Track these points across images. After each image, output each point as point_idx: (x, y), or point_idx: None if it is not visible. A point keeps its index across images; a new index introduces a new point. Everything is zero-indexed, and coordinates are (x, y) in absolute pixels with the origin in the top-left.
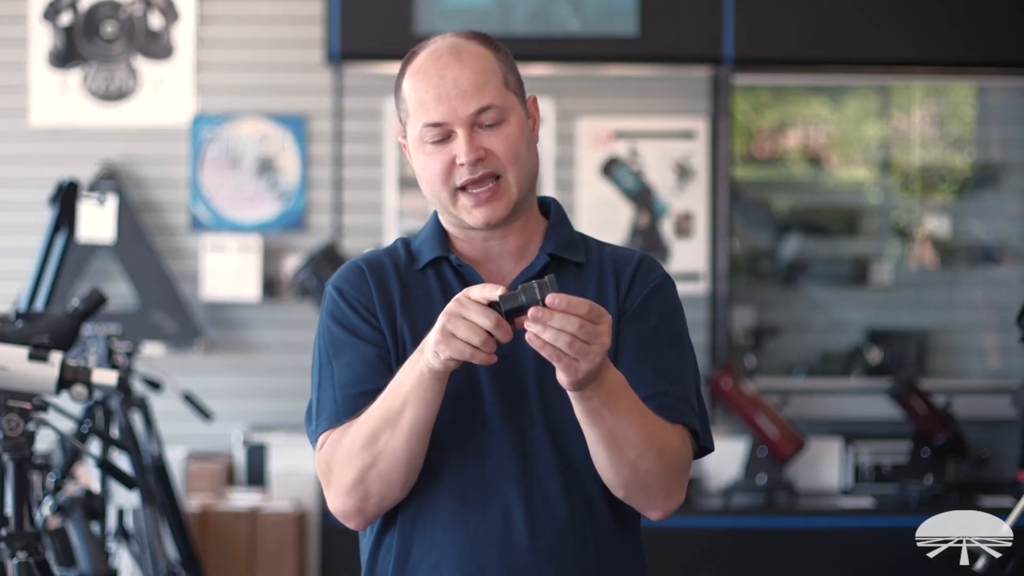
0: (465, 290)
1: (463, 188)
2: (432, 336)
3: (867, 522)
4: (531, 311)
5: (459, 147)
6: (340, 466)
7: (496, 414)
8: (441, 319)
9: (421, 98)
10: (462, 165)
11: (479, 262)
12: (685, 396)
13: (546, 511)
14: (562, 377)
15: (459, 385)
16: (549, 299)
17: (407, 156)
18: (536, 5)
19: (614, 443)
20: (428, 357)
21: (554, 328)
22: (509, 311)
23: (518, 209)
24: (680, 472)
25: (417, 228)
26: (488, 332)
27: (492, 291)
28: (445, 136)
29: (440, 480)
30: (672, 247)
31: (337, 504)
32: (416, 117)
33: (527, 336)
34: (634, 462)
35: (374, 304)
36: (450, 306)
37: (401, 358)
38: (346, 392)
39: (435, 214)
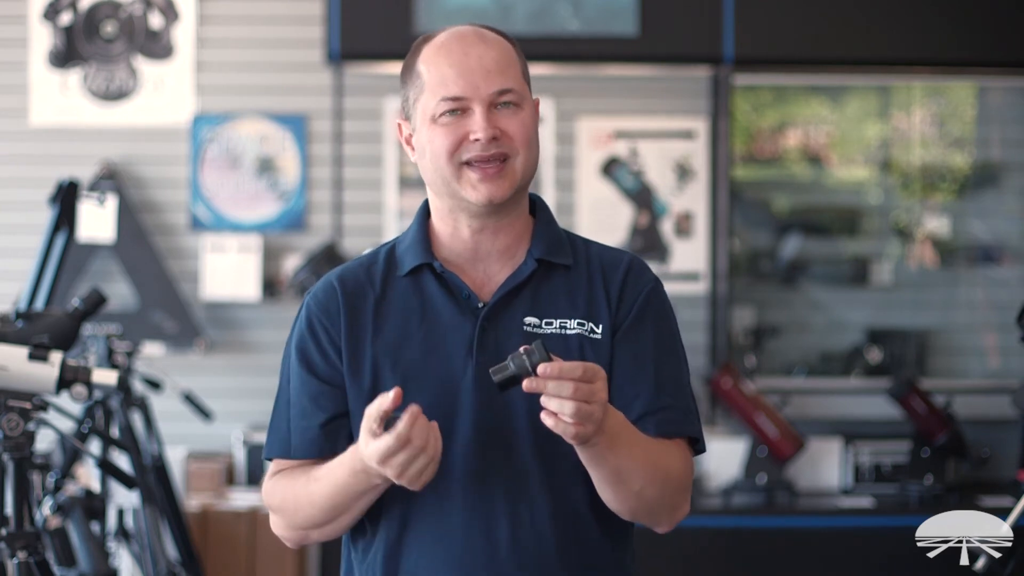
0: (364, 426)
1: (469, 163)
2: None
3: (867, 522)
4: (525, 383)
5: (476, 123)
6: (284, 511)
7: (483, 427)
8: (387, 471)
9: (443, 73)
10: (476, 141)
11: (463, 266)
12: (687, 406)
13: (530, 521)
14: (569, 439)
15: (444, 399)
16: (540, 369)
17: (401, 139)
18: (536, 5)
19: (619, 480)
20: (381, 473)
21: (552, 395)
22: (501, 383)
23: (515, 199)
24: (685, 490)
25: None
26: (415, 448)
27: (384, 401)
28: (461, 112)
29: (425, 495)
30: (672, 247)
31: (279, 532)
32: (434, 91)
33: (542, 415)
34: (639, 492)
35: (340, 331)
36: (375, 461)
37: (373, 376)
38: (298, 425)
39: (418, 216)
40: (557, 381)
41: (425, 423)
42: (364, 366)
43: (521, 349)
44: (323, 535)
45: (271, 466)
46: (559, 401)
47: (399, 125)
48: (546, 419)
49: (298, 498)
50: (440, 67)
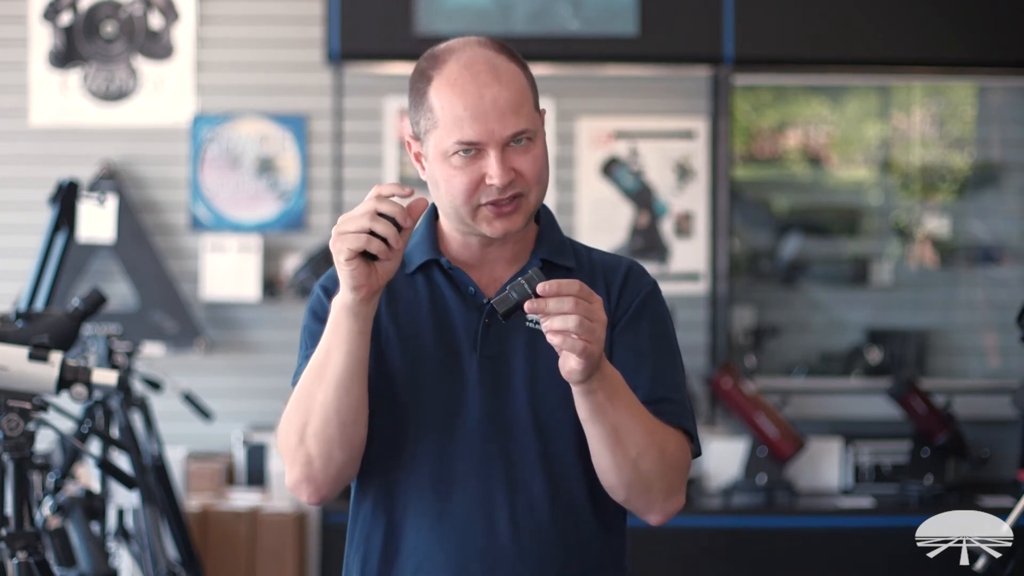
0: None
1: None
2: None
3: (867, 522)
4: (527, 304)
5: (491, 167)
6: (284, 433)
7: (484, 414)
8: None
9: (457, 114)
10: (491, 185)
11: (472, 266)
12: (683, 402)
13: (529, 512)
14: (576, 366)
15: (449, 389)
16: (539, 288)
17: (411, 156)
18: (536, 5)
19: (617, 440)
20: (341, 291)
21: (555, 313)
22: (506, 312)
23: (528, 221)
24: (680, 473)
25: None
26: (376, 213)
27: (388, 187)
28: (475, 152)
29: (425, 480)
30: (672, 247)
31: (288, 476)
32: (448, 132)
33: (548, 337)
34: (636, 460)
35: None
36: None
37: (382, 361)
38: None
39: (426, 216)
40: (558, 298)
41: (400, 210)
42: (379, 342)
43: (519, 279)
44: (317, 440)
45: None
46: (563, 317)
47: (408, 143)
48: (552, 339)
49: (292, 397)
50: (454, 107)
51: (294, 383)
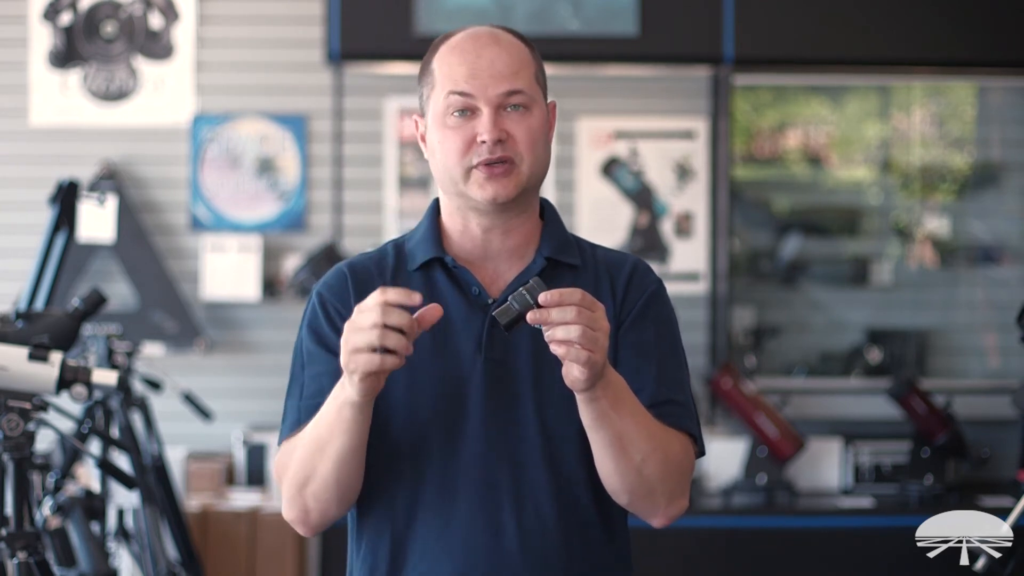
0: (360, 304)
1: (477, 166)
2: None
3: (867, 522)
4: (529, 315)
5: (482, 125)
6: (283, 478)
7: (488, 417)
8: (346, 331)
9: (453, 71)
10: (483, 143)
11: (475, 263)
12: (687, 404)
13: (535, 515)
14: (579, 375)
15: (452, 392)
16: (541, 298)
17: (418, 138)
18: (536, 5)
19: (621, 446)
20: (348, 389)
21: (557, 323)
22: (508, 323)
23: (523, 199)
24: (684, 477)
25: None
26: (384, 326)
27: (393, 294)
28: (469, 112)
29: (430, 487)
30: (672, 247)
31: (284, 511)
32: (443, 87)
33: (551, 347)
34: (639, 466)
35: (350, 311)
36: (345, 325)
37: None
38: (309, 403)
39: (429, 212)
40: (560, 307)
41: (409, 321)
42: None
43: (520, 288)
44: (316, 499)
45: (280, 447)
46: (565, 327)
47: (415, 121)
48: (556, 349)
49: (294, 449)
50: (452, 66)
51: (287, 397)
